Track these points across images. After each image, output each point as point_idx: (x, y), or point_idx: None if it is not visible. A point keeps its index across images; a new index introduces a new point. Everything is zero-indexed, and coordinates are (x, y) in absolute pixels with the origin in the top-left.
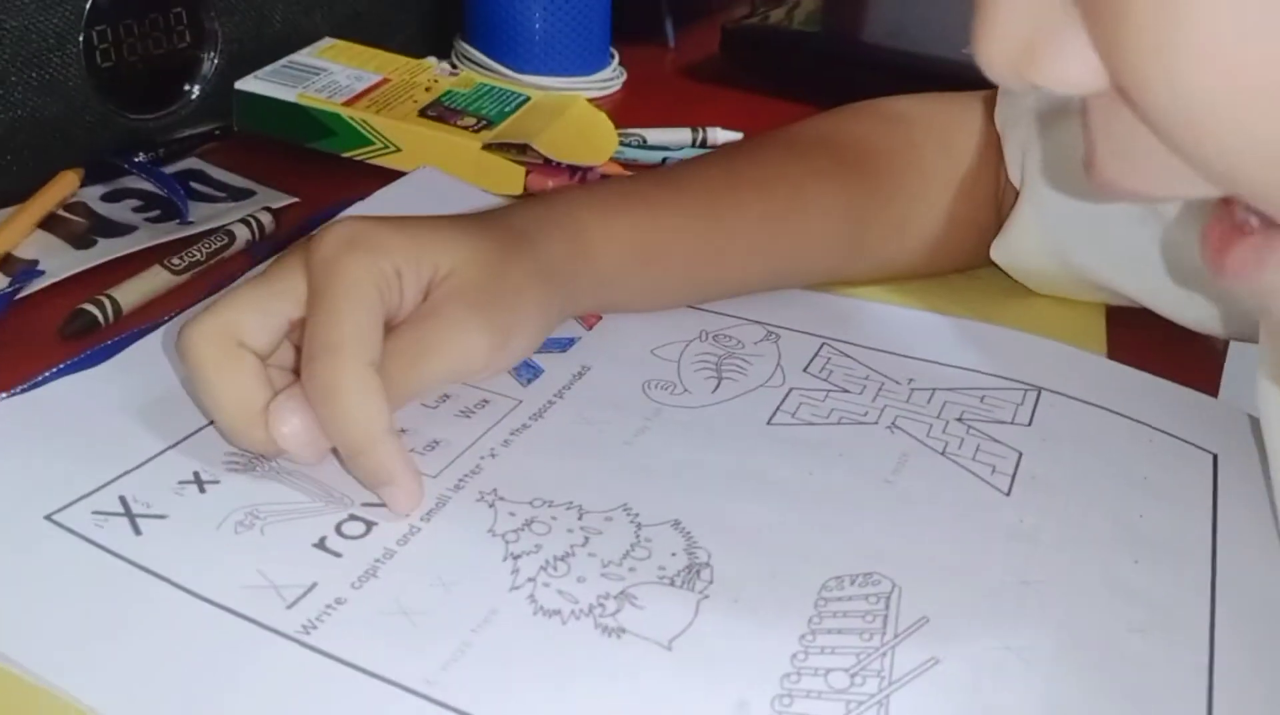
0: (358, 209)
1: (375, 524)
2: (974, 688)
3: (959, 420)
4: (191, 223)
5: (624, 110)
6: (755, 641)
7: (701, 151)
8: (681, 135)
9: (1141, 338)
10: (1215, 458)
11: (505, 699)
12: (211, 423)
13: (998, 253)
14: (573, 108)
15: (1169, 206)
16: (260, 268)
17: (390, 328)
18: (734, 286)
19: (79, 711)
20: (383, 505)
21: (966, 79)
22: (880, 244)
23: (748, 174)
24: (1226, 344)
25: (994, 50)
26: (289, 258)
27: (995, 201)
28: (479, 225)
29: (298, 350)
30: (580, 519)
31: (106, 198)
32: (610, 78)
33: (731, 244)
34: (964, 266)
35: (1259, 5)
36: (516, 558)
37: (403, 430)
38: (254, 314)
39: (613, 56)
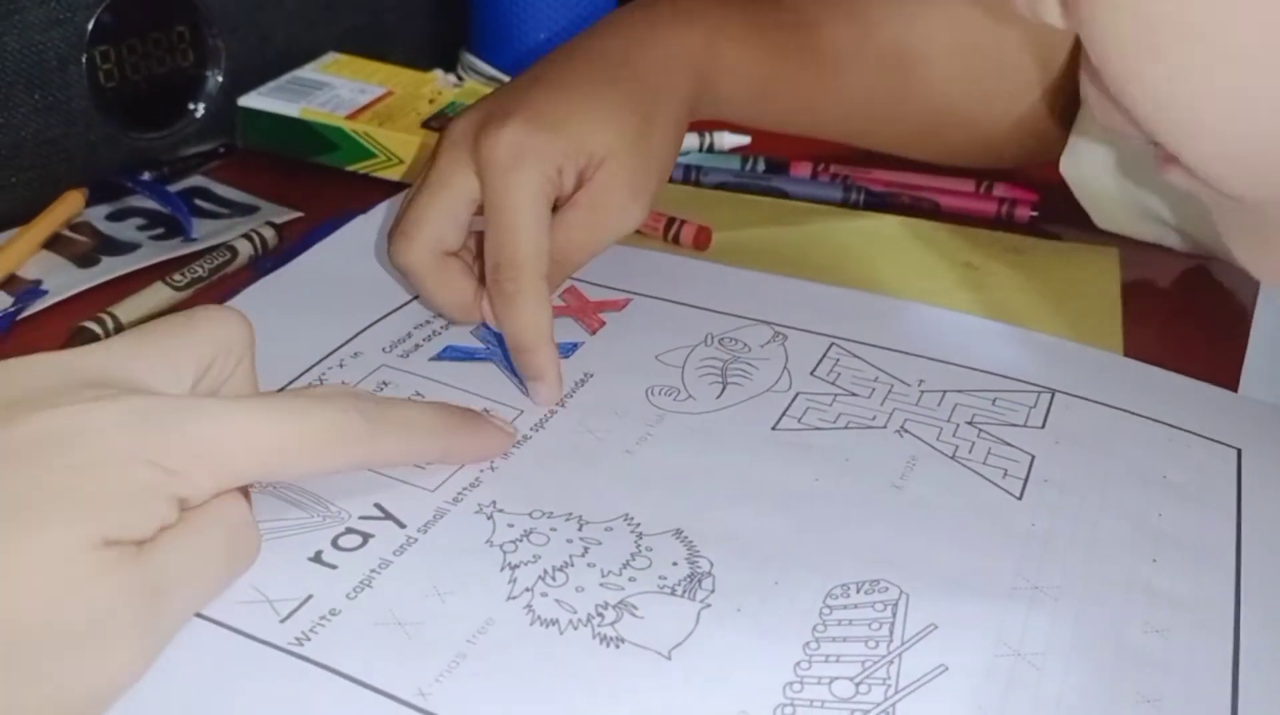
0: (360, 222)
1: (372, 536)
2: (984, 695)
3: (970, 423)
4: (196, 240)
5: None
6: (757, 650)
7: (709, 156)
8: (689, 141)
9: (1159, 334)
10: (1239, 453)
11: (498, 710)
12: None
13: (1066, 166)
14: None
15: None
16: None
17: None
18: (825, 130)
19: None
20: (380, 517)
21: None
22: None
23: (848, 33)
24: (1247, 337)
25: None
26: (455, 157)
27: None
28: (616, 92)
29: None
30: (580, 529)
31: (111, 217)
32: None
33: (832, 91)
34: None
35: None
36: (514, 568)
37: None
38: (447, 224)
39: None
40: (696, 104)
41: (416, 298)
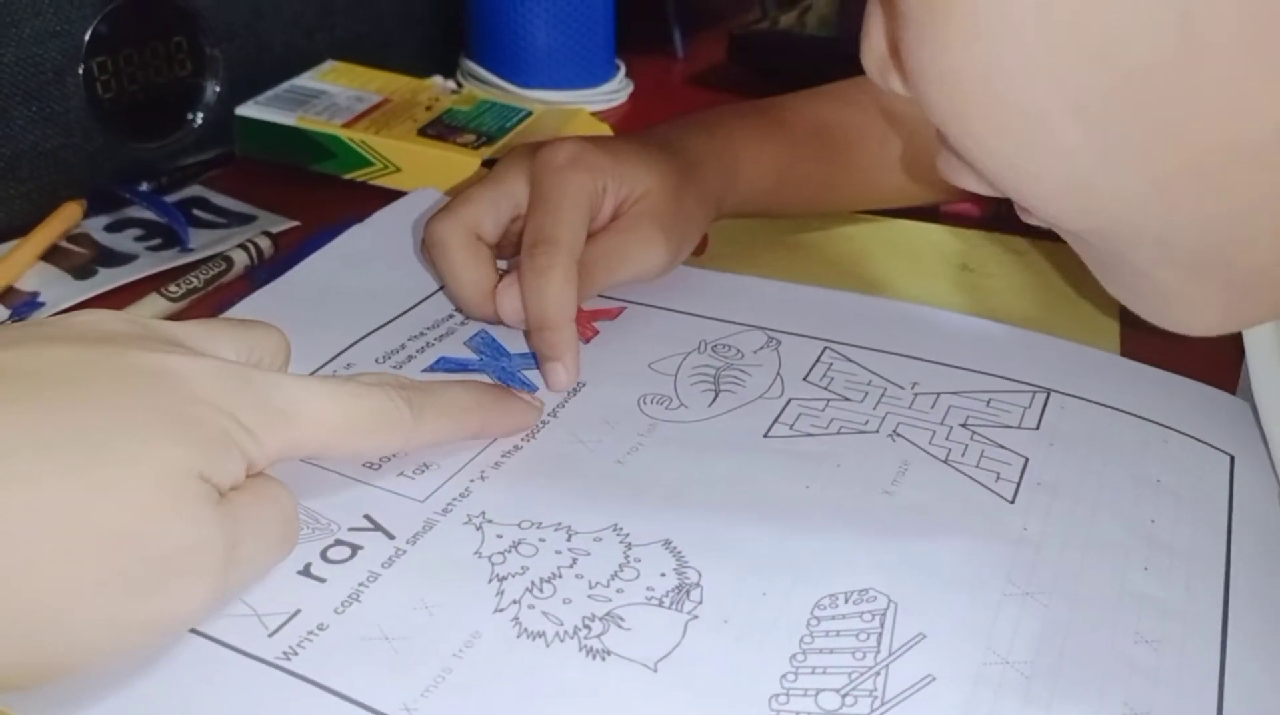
0: (355, 231)
1: (361, 547)
2: (972, 706)
3: (963, 426)
4: (193, 250)
5: (631, 121)
6: (744, 662)
7: None
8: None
9: (1156, 334)
10: (1232, 460)
11: None
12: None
13: None
14: (574, 120)
15: None
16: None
17: (590, 230)
18: (828, 209)
19: None
20: (369, 529)
21: None
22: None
23: (845, 124)
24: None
25: (865, 60)
26: (515, 163)
27: None
28: (663, 153)
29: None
30: (569, 540)
31: (110, 228)
32: (616, 89)
33: (834, 181)
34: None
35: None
36: (502, 580)
37: (394, 454)
38: (489, 212)
39: (618, 68)
40: (722, 197)
41: (413, 308)
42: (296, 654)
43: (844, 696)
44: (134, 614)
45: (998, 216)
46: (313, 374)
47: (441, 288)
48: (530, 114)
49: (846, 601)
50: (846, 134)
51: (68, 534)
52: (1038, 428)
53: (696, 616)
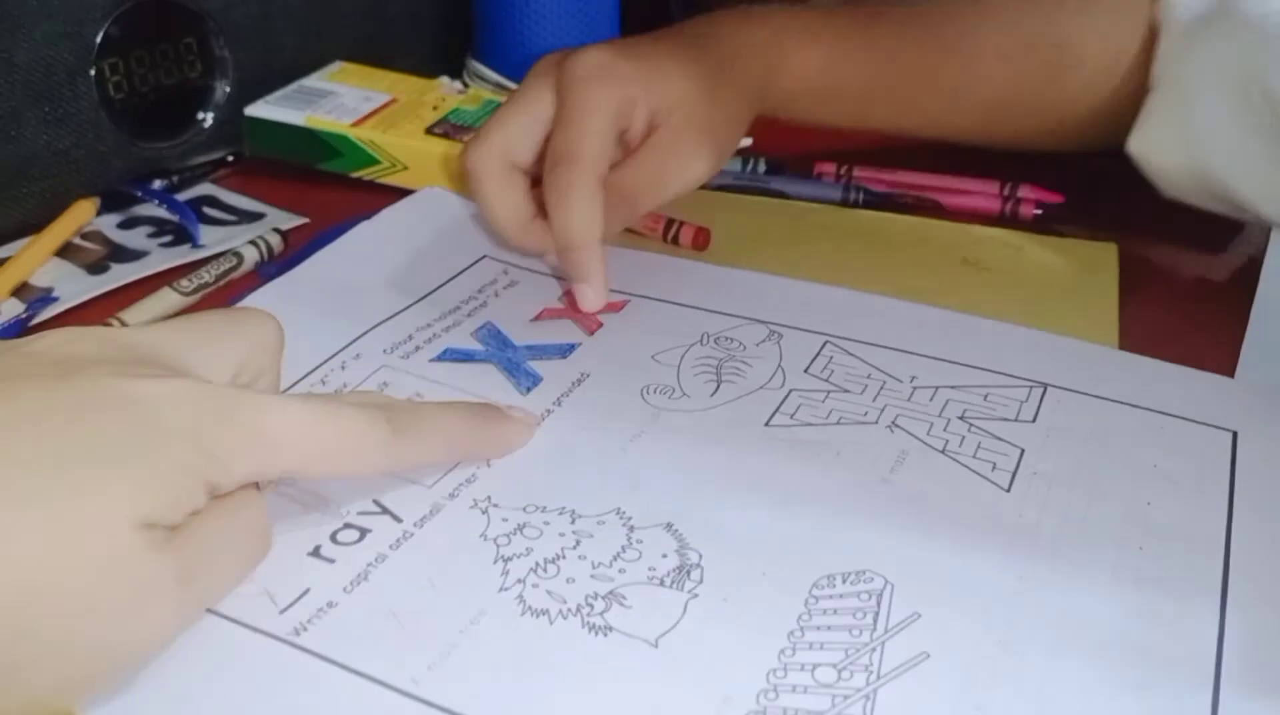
0: (363, 228)
1: (369, 531)
2: (965, 682)
3: (961, 418)
4: (203, 246)
5: None
6: (742, 639)
7: None
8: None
9: (1156, 330)
10: (1235, 435)
11: (489, 696)
12: None
13: (1134, 144)
14: None
15: None
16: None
17: (624, 144)
18: (889, 125)
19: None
20: (377, 513)
21: None
22: (1035, 108)
23: (931, 37)
24: (1244, 331)
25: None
26: (540, 79)
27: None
28: (697, 52)
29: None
30: (573, 523)
31: (122, 225)
32: None
33: (899, 91)
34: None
35: None
36: (507, 561)
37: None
38: (521, 137)
39: None
40: (763, 90)
41: (420, 301)
42: (306, 630)
43: (840, 671)
44: (69, 660)
45: (1001, 215)
46: (313, 370)
47: (449, 281)
48: None
49: (844, 582)
50: (973, 40)
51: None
52: (1034, 421)
53: (696, 595)
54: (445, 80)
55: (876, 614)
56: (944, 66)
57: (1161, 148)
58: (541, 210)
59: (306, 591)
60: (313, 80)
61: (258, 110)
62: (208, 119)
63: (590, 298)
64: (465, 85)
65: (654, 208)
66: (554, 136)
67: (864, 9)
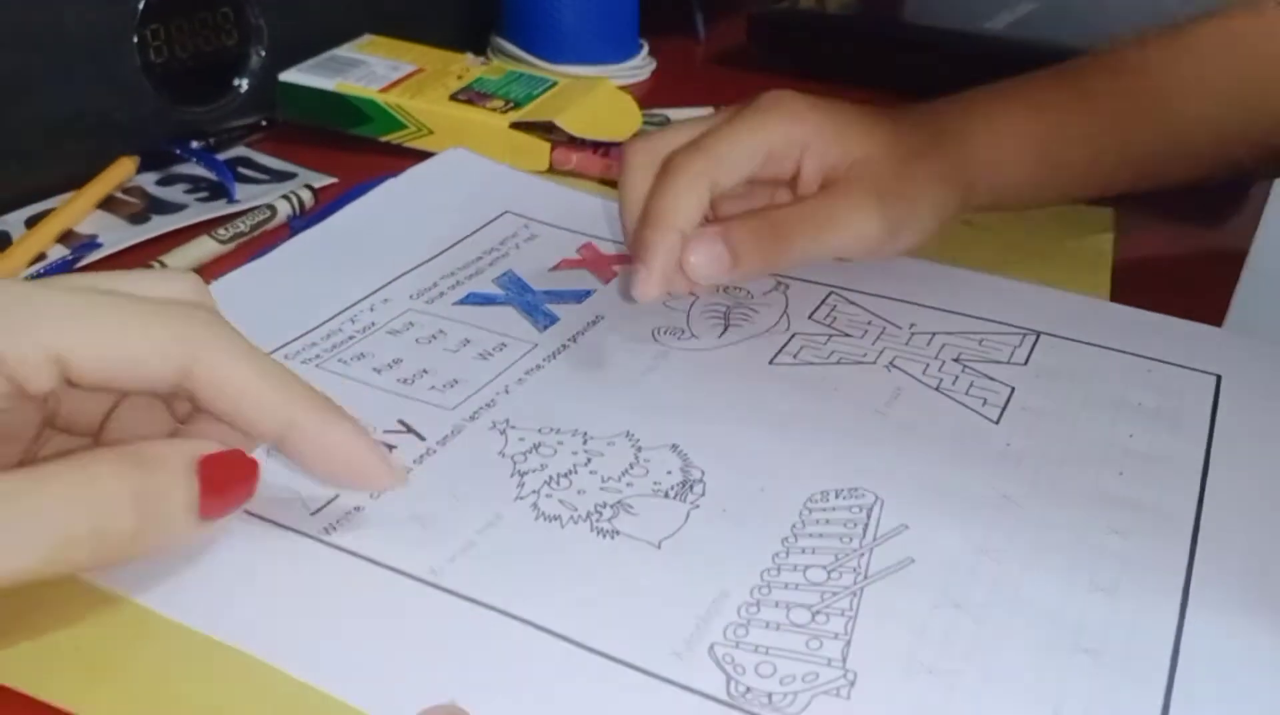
0: (390, 184)
1: (394, 447)
2: (946, 582)
3: (955, 360)
4: (238, 202)
5: (653, 95)
6: (739, 543)
7: None
8: (704, 114)
9: (1147, 287)
10: (1219, 378)
11: (502, 586)
12: None
13: None
14: (598, 89)
15: None
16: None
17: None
18: (1104, 190)
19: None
20: (402, 432)
21: (998, 54)
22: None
23: (1140, 88)
24: (1233, 288)
25: None
26: (734, 106)
27: None
28: (895, 124)
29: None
30: (585, 443)
31: (161, 182)
32: (639, 66)
33: (1108, 161)
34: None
35: None
36: (523, 475)
37: (424, 370)
38: (684, 141)
39: (642, 46)
40: (973, 182)
41: (445, 252)
42: (335, 529)
43: (830, 572)
44: None
45: None
46: (343, 311)
47: (472, 234)
48: (555, 84)
49: (837, 497)
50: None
51: None
52: (1026, 363)
53: (698, 506)
54: (470, 55)
55: (866, 525)
56: (1160, 118)
57: None
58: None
59: (335, 497)
60: (344, 50)
61: (291, 76)
62: (243, 85)
63: (643, 282)
64: (488, 60)
65: (805, 256)
66: (700, 137)
67: (1074, 77)
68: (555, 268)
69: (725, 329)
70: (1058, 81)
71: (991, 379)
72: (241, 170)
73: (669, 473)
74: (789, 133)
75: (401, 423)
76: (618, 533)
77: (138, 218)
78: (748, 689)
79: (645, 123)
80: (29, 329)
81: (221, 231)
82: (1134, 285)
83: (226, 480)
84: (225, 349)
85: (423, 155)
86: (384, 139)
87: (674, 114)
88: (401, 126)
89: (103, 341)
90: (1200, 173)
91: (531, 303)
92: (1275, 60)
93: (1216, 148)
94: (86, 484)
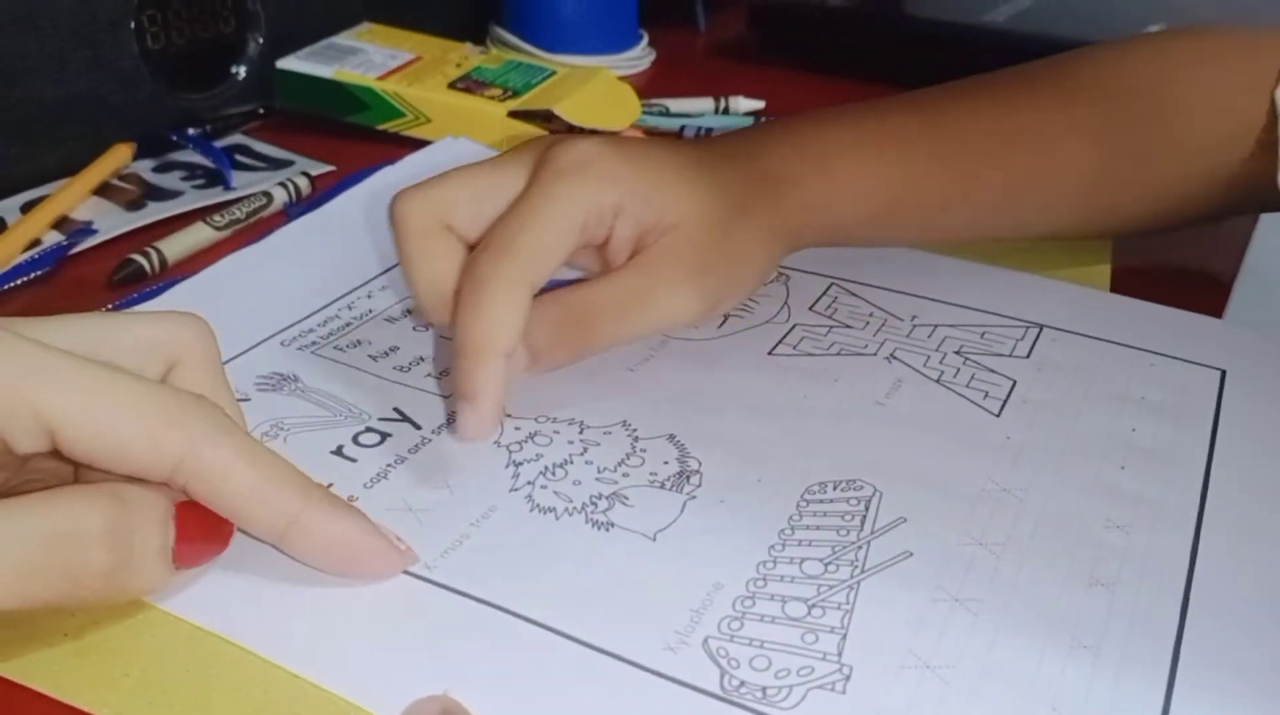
0: (386, 172)
1: (389, 435)
2: (943, 577)
3: (957, 353)
4: (234, 189)
5: (652, 84)
6: (735, 534)
7: (724, 118)
8: (704, 104)
9: (1146, 282)
10: (1223, 373)
11: (497, 581)
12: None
13: None
14: (596, 78)
15: None
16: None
17: (603, 261)
18: (969, 235)
19: None
20: (398, 420)
21: (999, 46)
22: (1134, 205)
23: (1005, 123)
24: (1233, 278)
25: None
26: (522, 153)
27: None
28: (717, 172)
29: None
30: (581, 433)
31: (157, 169)
32: (639, 56)
33: (978, 197)
34: (1219, 217)
35: None
36: (518, 465)
37: (420, 358)
38: (467, 199)
39: (641, 36)
40: (802, 227)
41: None
42: None
43: (826, 565)
44: None
45: None
46: (340, 297)
47: None
48: (554, 73)
49: (835, 489)
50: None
51: None
52: (1028, 357)
53: (694, 497)
54: (468, 45)
55: (864, 517)
56: (1030, 163)
57: None
58: None
59: (330, 485)
60: (342, 38)
61: (289, 64)
62: (240, 72)
63: (470, 425)
64: (487, 49)
65: (615, 342)
66: (497, 222)
67: (930, 104)
68: None
69: (725, 319)
70: (912, 110)
71: (993, 372)
72: (238, 157)
73: (666, 463)
74: (601, 202)
75: (397, 411)
76: (612, 525)
77: (134, 204)
78: (742, 683)
79: (645, 113)
80: (21, 388)
81: (218, 218)
82: (1133, 280)
83: (203, 529)
84: (222, 445)
85: (420, 143)
86: (381, 127)
87: (674, 104)
88: (399, 114)
89: (97, 422)
90: (1079, 225)
91: None
92: (1147, 98)
93: (1093, 196)
94: (61, 514)
